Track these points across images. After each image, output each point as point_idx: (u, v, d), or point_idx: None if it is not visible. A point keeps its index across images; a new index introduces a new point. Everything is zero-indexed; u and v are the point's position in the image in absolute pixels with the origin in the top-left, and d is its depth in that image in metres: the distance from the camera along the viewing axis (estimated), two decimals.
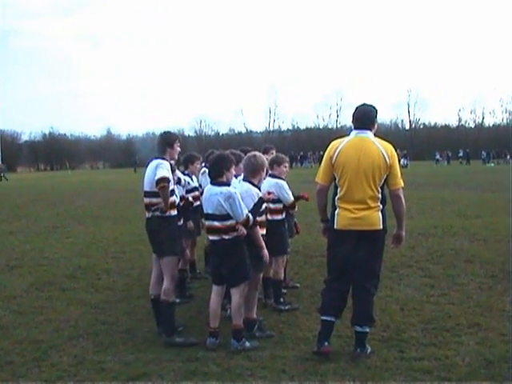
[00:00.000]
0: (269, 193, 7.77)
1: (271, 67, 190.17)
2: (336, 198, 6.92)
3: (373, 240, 6.82)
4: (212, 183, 7.36)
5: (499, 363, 6.59)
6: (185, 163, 10.72)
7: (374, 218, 6.76)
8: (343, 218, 6.81)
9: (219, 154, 7.56)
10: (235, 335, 7.19)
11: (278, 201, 8.88)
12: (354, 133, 6.96)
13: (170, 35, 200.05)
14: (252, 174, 7.63)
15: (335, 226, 6.88)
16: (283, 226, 9.06)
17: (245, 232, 7.18)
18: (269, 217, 8.34)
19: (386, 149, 6.79)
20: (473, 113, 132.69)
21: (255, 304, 7.84)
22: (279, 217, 8.98)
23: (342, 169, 6.80)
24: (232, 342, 7.17)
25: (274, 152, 10.16)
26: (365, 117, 6.99)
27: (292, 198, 9.03)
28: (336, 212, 6.90)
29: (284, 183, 9.05)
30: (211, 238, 7.33)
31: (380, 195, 6.80)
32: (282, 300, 9.07)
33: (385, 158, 6.71)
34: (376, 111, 7.09)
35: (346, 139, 6.96)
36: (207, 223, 7.37)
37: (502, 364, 6.56)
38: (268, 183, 8.78)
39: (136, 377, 6.41)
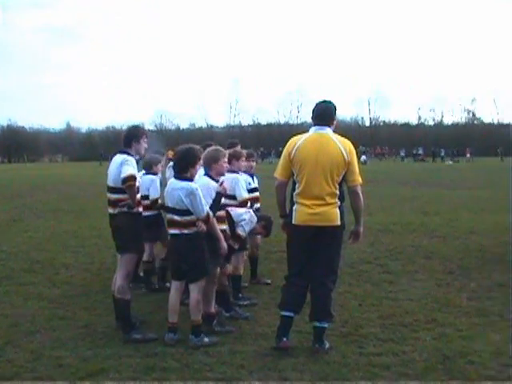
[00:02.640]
0: (221, 183, 7.69)
1: (233, 62, 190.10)
2: (294, 193, 6.94)
3: (331, 236, 6.84)
4: (175, 177, 7.33)
5: (455, 358, 6.68)
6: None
7: (332, 214, 6.78)
8: (301, 213, 6.83)
9: (187, 149, 7.48)
10: (194, 331, 7.17)
11: (235, 197, 8.85)
12: (313, 129, 6.99)
13: (131, 29, 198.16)
14: (209, 168, 7.62)
15: (293, 222, 6.91)
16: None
17: (205, 228, 7.16)
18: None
19: (344, 145, 6.82)
20: (432, 111, 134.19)
21: (213, 298, 7.82)
22: None
23: (300, 165, 6.82)
24: (191, 338, 7.15)
25: (239, 147, 10.13)
26: (324, 113, 7.02)
27: (245, 196, 8.97)
28: (294, 208, 6.92)
29: (240, 179, 9.03)
30: (171, 231, 7.29)
31: (338, 191, 6.83)
32: (240, 295, 9.07)
33: (343, 155, 6.74)
34: (335, 108, 7.13)
35: (305, 135, 6.98)
36: (168, 216, 7.34)
37: (458, 359, 6.66)
38: (225, 178, 8.74)
39: (94, 373, 6.34)
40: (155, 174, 9.92)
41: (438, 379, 6.13)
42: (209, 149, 7.91)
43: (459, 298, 9.17)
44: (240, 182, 8.93)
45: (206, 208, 7.12)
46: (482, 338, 7.39)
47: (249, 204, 8.94)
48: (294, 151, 6.87)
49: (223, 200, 7.95)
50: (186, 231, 7.14)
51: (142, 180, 9.02)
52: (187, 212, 7.10)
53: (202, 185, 7.34)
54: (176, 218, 7.17)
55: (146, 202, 9.24)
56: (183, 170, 7.26)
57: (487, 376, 6.21)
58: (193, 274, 7.23)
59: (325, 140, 6.84)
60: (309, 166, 6.77)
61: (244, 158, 9.30)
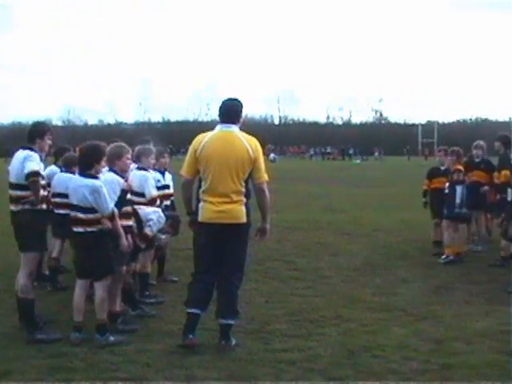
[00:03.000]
0: (126, 180, 7.61)
1: (144, 58, 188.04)
2: (200, 191, 6.93)
3: (237, 233, 6.86)
4: (80, 174, 7.21)
5: (360, 353, 6.80)
6: (55, 156, 10.46)
7: (238, 212, 6.80)
8: (207, 211, 6.82)
9: (91, 145, 7.37)
10: (99, 329, 7.07)
11: (143, 194, 8.74)
12: (219, 127, 7.00)
13: (39, 22, 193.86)
14: (113, 164, 7.52)
15: (199, 219, 6.89)
16: None
17: (109, 225, 7.06)
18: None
19: (250, 143, 6.84)
20: (341, 110, 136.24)
21: (118, 297, 7.73)
22: None
23: (206, 162, 6.81)
24: (96, 337, 7.04)
25: (151, 144, 10.04)
26: (230, 111, 7.04)
27: (154, 193, 8.85)
28: (200, 205, 6.90)
29: (150, 176, 8.93)
30: (75, 229, 7.15)
31: (244, 189, 6.85)
32: (147, 293, 9.00)
33: (249, 152, 6.77)
34: (242, 106, 7.15)
35: (210, 133, 6.98)
36: (72, 214, 7.20)
37: (363, 353, 6.78)
38: (134, 175, 8.65)
39: None
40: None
41: (342, 374, 6.20)
42: (112, 145, 7.80)
43: (364, 294, 9.34)
44: (149, 180, 8.82)
45: (111, 205, 7.03)
46: (386, 332, 7.55)
47: (158, 202, 8.86)
48: (199, 149, 6.85)
49: (132, 197, 7.87)
50: (90, 229, 7.03)
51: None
52: (92, 210, 6.99)
53: (106, 180, 7.24)
54: (80, 215, 7.05)
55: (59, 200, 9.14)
56: (87, 167, 7.15)
57: (390, 369, 6.34)
58: (98, 272, 7.12)
59: (230, 138, 6.85)
60: (214, 163, 6.76)
61: (153, 156, 9.21)
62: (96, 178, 7.11)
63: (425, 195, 13.21)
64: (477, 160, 12.70)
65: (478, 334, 7.50)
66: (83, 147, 7.43)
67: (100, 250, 7.07)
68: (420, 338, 7.33)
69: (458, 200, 11.75)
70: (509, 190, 9.96)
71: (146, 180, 8.77)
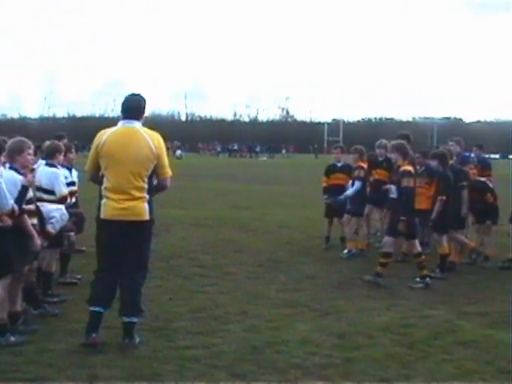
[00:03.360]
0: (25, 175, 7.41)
1: (48, 52, 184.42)
2: (102, 187, 6.82)
3: (140, 231, 6.81)
4: None
5: (264, 348, 6.85)
6: None
7: (140, 209, 6.74)
8: (109, 208, 6.73)
9: None
10: None
11: (53, 192, 8.58)
12: (121, 122, 6.92)
13: None
14: (13, 160, 7.29)
15: (102, 216, 6.80)
16: None
17: (10, 223, 6.86)
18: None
19: (153, 138, 6.79)
20: (248, 108, 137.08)
21: (19, 296, 7.52)
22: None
23: (107, 158, 6.73)
24: None
25: (65, 140, 9.86)
26: (132, 107, 6.96)
27: (65, 191, 8.71)
28: (103, 202, 6.80)
29: (60, 173, 8.76)
30: None
31: (147, 185, 6.79)
32: (50, 292, 8.81)
33: (151, 148, 6.71)
34: (144, 101, 7.09)
35: (112, 129, 6.90)
36: None
37: (267, 349, 6.83)
38: (44, 172, 8.47)
39: None
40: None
41: (246, 369, 6.24)
42: (12, 140, 7.53)
43: (269, 290, 9.42)
44: (59, 177, 8.67)
45: (11, 201, 6.83)
46: (289, 328, 7.63)
47: (68, 200, 8.73)
48: (100, 144, 6.76)
49: (41, 195, 7.70)
50: None
51: None
52: None
53: (6, 179, 7.02)
54: None
55: None
56: None
57: (294, 364, 6.42)
58: None
59: (133, 133, 6.78)
60: (115, 159, 6.68)
61: (63, 152, 9.03)
62: None
63: (325, 192, 13.40)
64: (380, 159, 12.96)
65: (380, 328, 7.68)
66: None
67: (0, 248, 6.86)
68: (323, 333, 7.44)
69: (350, 194, 12.14)
70: (392, 187, 10.19)
71: (57, 177, 8.61)
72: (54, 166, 8.72)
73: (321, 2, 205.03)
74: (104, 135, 6.81)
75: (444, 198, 10.68)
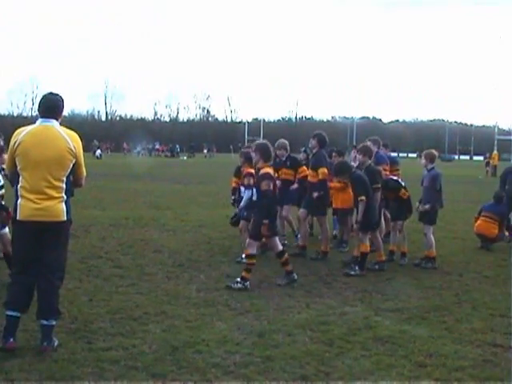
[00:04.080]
0: None
1: None
2: (19, 186, 6.72)
3: (56, 232, 6.72)
4: None
5: (184, 348, 6.86)
6: None
7: (58, 210, 6.65)
8: (25, 208, 6.62)
9: None
10: None
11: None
12: (39, 121, 6.83)
13: None
14: None
15: (18, 217, 6.69)
16: None
17: None
18: None
19: (71, 138, 6.73)
20: (168, 107, 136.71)
21: None
22: None
23: (22, 157, 6.64)
24: None
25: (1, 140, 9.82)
26: (50, 106, 6.88)
27: None
28: (19, 202, 6.69)
29: None
30: None
31: (64, 185, 6.71)
32: None
33: (69, 147, 6.65)
34: (63, 101, 7.01)
35: (29, 127, 6.81)
36: None
37: (187, 349, 6.84)
38: None
39: None
40: None
41: (166, 369, 6.24)
42: None
43: (188, 290, 9.41)
44: None
45: None
46: (209, 327, 7.66)
47: None
48: (17, 143, 6.66)
49: None
50: None
51: None
52: None
53: None
54: None
55: None
56: None
57: (214, 363, 6.45)
58: None
59: (50, 132, 6.69)
60: (33, 159, 6.59)
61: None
62: None
63: (234, 193, 13.31)
64: (283, 159, 13.12)
65: (299, 326, 7.79)
66: None
67: None
68: (243, 332, 7.49)
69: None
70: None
71: None
72: None
73: None
74: (20, 134, 6.71)
75: (363, 198, 10.84)
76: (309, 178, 12.41)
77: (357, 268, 10.78)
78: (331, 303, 8.89)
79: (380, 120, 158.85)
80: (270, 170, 9.96)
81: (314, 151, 12.42)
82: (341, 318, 8.21)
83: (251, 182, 11.51)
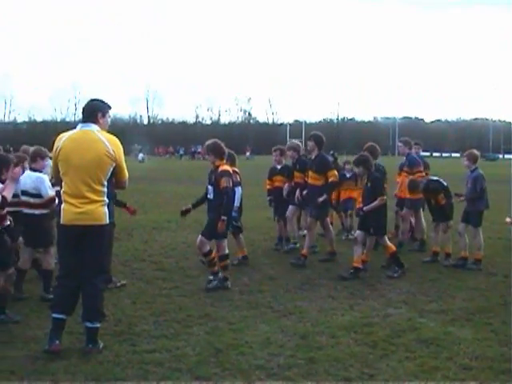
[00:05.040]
0: None
1: (5, 55, 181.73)
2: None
3: (99, 235, 6.78)
4: None
5: (227, 350, 6.87)
6: None
7: (99, 213, 6.72)
8: (68, 212, 6.70)
9: None
10: None
11: (39, 195, 8.78)
12: (79, 126, 6.93)
13: None
14: None
15: (61, 222, 6.77)
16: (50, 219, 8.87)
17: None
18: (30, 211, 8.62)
19: (110, 142, 6.78)
20: (210, 110, 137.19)
21: None
22: (44, 211, 8.88)
23: (64, 162, 6.73)
24: None
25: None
26: (89, 110, 6.96)
27: (52, 194, 8.84)
28: (62, 207, 6.78)
29: (45, 178, 8.91)
30: None
31: (105, 189, 6.78)
32: (51, 289, 8.74)
33: (109, 151, 6.71)
34: (103, 105, 7.09)
35: (69, 132, 6.90)
36: None
37: (230, 351, 6.85)
38: (29, 177, 8.75)
39: None
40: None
41: (210, 372, 6.26)
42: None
43: (232, 292, 9.42)
44: (45, 181, 8.89)
45: None
46: (252, 329, 7.66)
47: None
48: (57, 149, 6.76)
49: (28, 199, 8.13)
50: None
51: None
52: None
53: None
54: None
55: None
56: None
57: (257, 365, 6.45)
58: None
59: (89, 137, 6.76)
60: (73, 163, 6.67)
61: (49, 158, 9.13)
62: None
63: (269, 194, 13.58)
64: (293, 161, 13.05)
65: (343, 328, 7.75)
66: None
67: None
68: (286, 334, 7.49)
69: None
70: (209, 187, 10.30)
71: (43, 181, 8.87)
72: (40, 172, 8.99)
73: (278, 2, 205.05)
74: (61, 140, 6.80)
75: (385, 198, 10.81)
76: (311, 182, 12.00)
77: (397, 269, 10.71)
78: (374, 305, 8.84)
79: (422, 120, 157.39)
80: (229, 168, 10.03)
81: (314, 154, 12.07)
82: (384, 319, 8.16)
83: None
